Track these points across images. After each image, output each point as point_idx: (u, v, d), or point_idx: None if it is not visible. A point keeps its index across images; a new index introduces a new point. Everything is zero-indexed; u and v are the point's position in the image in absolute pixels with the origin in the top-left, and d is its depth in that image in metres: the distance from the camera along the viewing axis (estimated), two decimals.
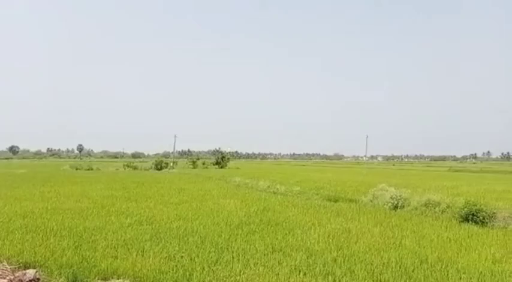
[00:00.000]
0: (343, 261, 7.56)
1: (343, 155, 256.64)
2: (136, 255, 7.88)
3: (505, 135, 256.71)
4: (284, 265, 7.33)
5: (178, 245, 8.77)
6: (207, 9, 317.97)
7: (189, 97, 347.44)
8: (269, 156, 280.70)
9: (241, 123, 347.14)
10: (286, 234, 10.20)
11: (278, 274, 6.81)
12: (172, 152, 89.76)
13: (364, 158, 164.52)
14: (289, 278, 6.62)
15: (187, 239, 9.34)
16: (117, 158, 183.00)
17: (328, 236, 9.98)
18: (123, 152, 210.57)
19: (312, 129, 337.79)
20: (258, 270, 7.05)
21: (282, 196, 19.91)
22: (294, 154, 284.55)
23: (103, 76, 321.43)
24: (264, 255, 8.06)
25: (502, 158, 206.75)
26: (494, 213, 12.94)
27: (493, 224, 12.45)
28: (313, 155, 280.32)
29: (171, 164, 66.45)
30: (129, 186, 24.40)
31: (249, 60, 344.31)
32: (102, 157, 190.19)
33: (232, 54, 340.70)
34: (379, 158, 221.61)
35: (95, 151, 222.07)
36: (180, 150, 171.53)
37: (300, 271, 6.97)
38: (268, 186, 24.15)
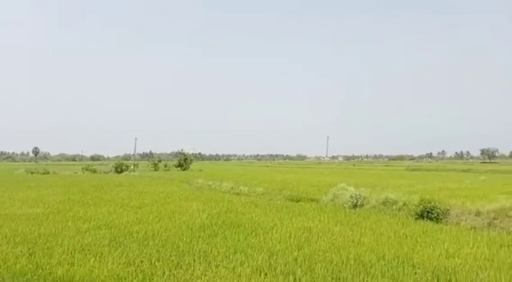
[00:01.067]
0: (304, 260, 7.66)
1: (305, 156, 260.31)
2: (94, 261, 7.64)
3: (459, 136, 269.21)
4: (246, 266, 7.34)
5: (138, 249, 8.59)
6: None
7: (150, 97, 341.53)
8: (233, 157, 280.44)
9: (204, 124, 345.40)
10: (248, 235, 10.22)
11: (240, 275, 6.81)
12: (133, 154, 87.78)
13: (326, 158, 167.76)
14: (250, 278, 6.64)
15: (148, 243, 9.17)
16: (75, 160, 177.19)
17: (290, 235, 10.09)
18: (82, 155, 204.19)
19: (275, 130, 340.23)
20: (220, 272, 7.03)
21: (245, 197, 19.94)
22: (257, 155, 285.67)
23: (62, 76, 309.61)
24: (226, 256, 8.04)
25: (455, 156, 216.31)
26: (447, 210, 13.50)
27: (447, 220, 12.98)
28: (276, 156, 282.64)
29: (132, 166, 65.07)
30: (87, 190, 23.66)
31: (214, 59, 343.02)
32: (59, 160, 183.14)
33: (203, 53, 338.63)
34: (340, 158, 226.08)
35: (52, 154, 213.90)
36: (142, 153, 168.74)
37: (261, 271, 7.01)
38: (232, 188, 24.11)
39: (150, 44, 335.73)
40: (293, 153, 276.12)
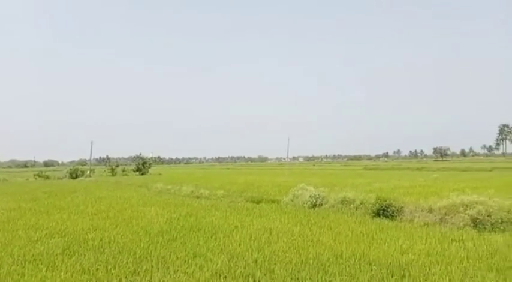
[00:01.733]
0: (264, 262, 7.68)
1: (267, 157, 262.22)
2: (46, 271, 7.31)
3: (414, 135, 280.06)
4: (205, 270, 7.26)
5: (94, 256, 8.29)
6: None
7: (108, 100, 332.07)
8: (194, 160, 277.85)
9: (164, 127, 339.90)
10: (208, 238, 10.13)
11: (199, 280, 6.73)
12: (89, 159, 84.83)
13: (287, 160, 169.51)
14: None
15: (103, 250, 8.87)
16: (27, 167, 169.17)
17: (250, 237, 10.09)
18: (34, 161, 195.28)
19: (236, 132, 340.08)
20: (178, 277, 6.92)
21: (205, 200, 19.77)
22: (219, 158, 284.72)
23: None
24: (185, 261, 7.92)
25: (410, 155, 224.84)
26: (402, 207, 13.97)
27: (402, 218, 13.42)
28: (238, 158, 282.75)
29: (88, 172, 62.97)
30: (39, 197, 22.63)
31: (165, 64, 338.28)
32: (9, 167, 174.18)
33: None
34: (301, 159, 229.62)
35: (1, 160, 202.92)
36: (98, 157, 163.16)
37: (220, 275, 6.95)
38: (192, 191, 23.83)
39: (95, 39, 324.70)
40: (255, 155, 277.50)
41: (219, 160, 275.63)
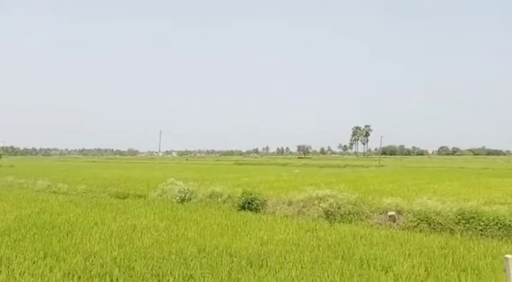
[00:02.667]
0: (123, 259, 7.36)
1: (137, 151, 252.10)
2: None
3: (280, 133, 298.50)
4: (56, 271, 6.68)
5: None
6: None
7: None
8: (54, 152, 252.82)
9: (19, 114, 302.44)
10: (63, 237, 9.34)
11: (48, 281, 6.16)
12: None
13: (159, 154, 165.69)
14: None
15: None
16: None
17: (111, 235, 9.60)
18: None
19: (103, 122, 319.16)
20: (25, 280, 6.26)
21: (64, 196, 18.22)
22: (83, 150, 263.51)
23: None
24: (34, 262, 7.20)
25: (277, 152, 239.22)
26: (265, 200, 14.77)
27: (265, 210, 14.20)
28: (105, 150, 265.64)
29: None
30: None
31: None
32: None
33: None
34: (174, 153, 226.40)
35: None
36: None
37: (74, 275, 6.47)
38: (49, 186, 21.76)
39: None
40: (124, 148, 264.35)
41: (83, 152, 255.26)
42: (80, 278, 6.39)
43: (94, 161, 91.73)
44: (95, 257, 7.52)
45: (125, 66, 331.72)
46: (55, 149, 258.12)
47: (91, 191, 19.64)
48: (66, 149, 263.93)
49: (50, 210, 13.29)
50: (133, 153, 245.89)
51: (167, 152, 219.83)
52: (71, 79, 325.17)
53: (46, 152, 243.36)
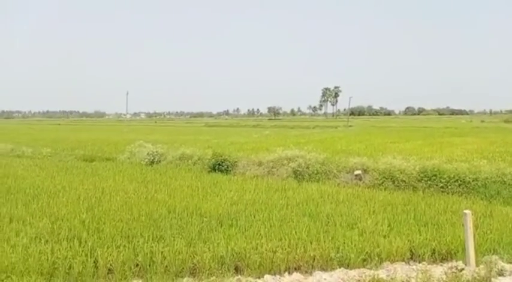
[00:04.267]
0: (92, 222, 7.32)
1: (104, 113, 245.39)
2: None
3: (251, 94, 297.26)
4: (22, 235, 6.60)
5: None
6: None
7: None
8: (16, 114, 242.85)
9: None
10: (29, 201, 9.16)
11: (14, 246, 6.09)
12: None
13: (127, 116, 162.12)
14: (27, 248, 5.97)
15: None
16: None
17: (79, 198, 9.49)
18: None
19: (67, 83, 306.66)
20: None
21: (28, 159, 17.70)
22: (47, 112, 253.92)
23: None
24: None
25: (248, 114, 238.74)
26: (236, 162, 14.86)
27: (235, 171, 14.31)
28: (71, 112, 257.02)
29: None
30: None
31: None
32: None
33: None
34: (142, 115, 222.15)
35: None
36: None
37: (41, 239, 6.40)
38: (12, 149, 21.06)
39: None
40: (91, 110, 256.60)
41: (47, 114, 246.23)
42: (47, 241, 6.32)
43: (59, 124, 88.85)
44: (62, 221, 7.44)
45: (91, 23, 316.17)
46: (17, 112, 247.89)
47: (57, 154, 19.16)
48: (30, 111, 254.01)
49: (13, 175, 12.94)
50: (100, 115, 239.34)
51: (135, 114, 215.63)
52: (38, 35, 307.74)
53: (8, 115, 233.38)
